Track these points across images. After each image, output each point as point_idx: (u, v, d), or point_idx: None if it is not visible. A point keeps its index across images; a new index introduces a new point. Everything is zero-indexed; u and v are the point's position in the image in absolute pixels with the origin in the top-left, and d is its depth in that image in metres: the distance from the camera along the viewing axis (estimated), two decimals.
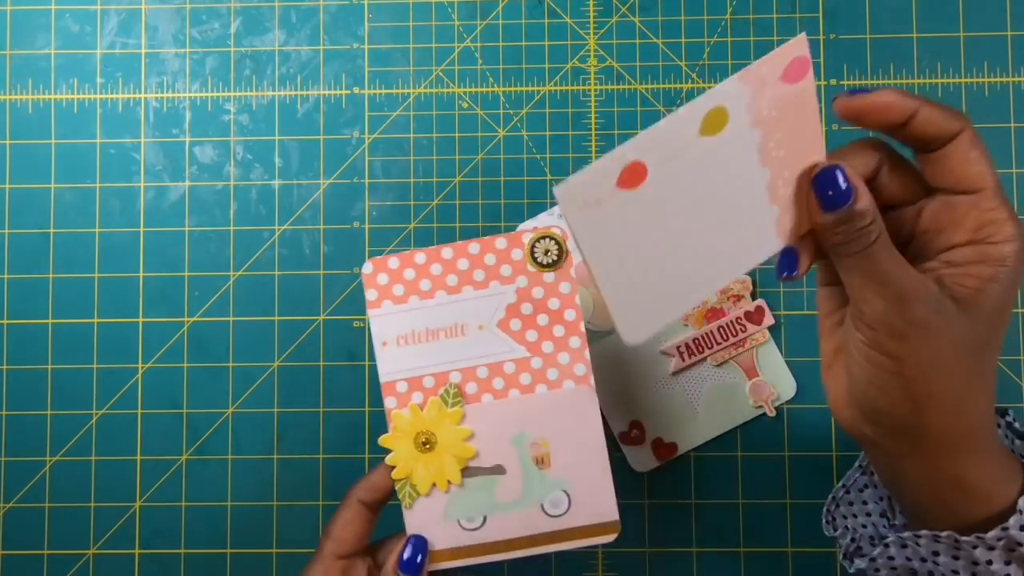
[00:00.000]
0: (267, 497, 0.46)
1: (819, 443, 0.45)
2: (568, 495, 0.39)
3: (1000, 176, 0.30)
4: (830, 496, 0.39)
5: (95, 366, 0.46)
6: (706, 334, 0.45)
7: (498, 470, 0.39)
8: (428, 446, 0.39)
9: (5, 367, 0.47)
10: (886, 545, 0.35)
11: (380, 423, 0.46)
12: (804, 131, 0.30)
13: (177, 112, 0.48)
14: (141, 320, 0.46)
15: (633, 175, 0.28)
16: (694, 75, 0.47)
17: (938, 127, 0.30)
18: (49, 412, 0.46)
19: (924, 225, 0.32)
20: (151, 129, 0.47)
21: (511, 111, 0.47)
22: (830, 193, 0.30)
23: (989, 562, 0.31)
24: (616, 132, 0.47)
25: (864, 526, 0.39)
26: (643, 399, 0.45)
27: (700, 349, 0.45)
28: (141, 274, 0.47)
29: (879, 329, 0.30)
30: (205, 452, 0.46)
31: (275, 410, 0.46)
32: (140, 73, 0.48)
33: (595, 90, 0.47)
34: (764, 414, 0.45)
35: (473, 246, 0.39)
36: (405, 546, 0.38)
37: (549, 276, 0.39)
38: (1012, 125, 0.46)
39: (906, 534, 0.34)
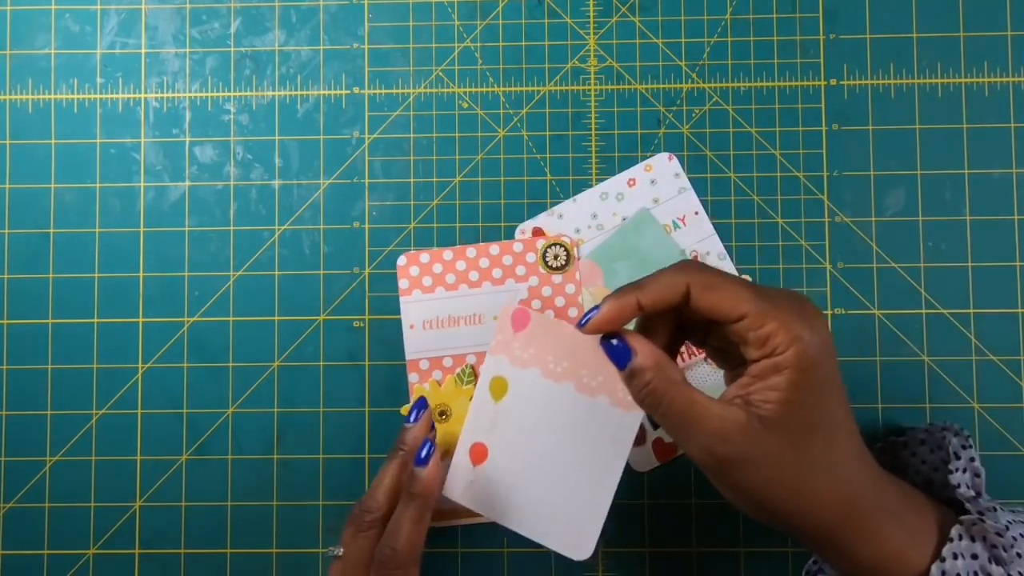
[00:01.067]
0: (267, 497, 0.46)
1: None
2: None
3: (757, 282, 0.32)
4: (813, 558, 0.40)
5: (95, 366, 0.46)
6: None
7: None
8: (444, 416, 0.44)
9: (5, 367, 0.47)
10: None
11: (380, 423, 0.46)
12: (566, 343, 0.38)
13: (177, 112, 0.48)
14: (141, 320, 0.46)
15: (478, 454, 0.39)
16: (694, 75, 0.47)
17: (666, 301, 0.33)
18: (49, 412, 0.46)
19: (713, 343, 0.35)
20: (151, 129, 0.47)
21: (511, 111, 0.47)
22: (614, 356, 0.34)
23: None
24: (616, 132, 0.47)
25: None
26: None
27: (700, 349, 0.45)
28: (141, 274, 0.47)
29: (704, 468, 0.33)
30: (205, 452, 0.46)
31: (275, 410, 0.46)
32: (140, 73, 0.48)
33: (595, 90, 0.47)
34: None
35: (494, 248, 0.46)
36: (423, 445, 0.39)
37: (557, 277, 0.45)
38: (1012, 125, 0.46)
39: None
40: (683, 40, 0.47)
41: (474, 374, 0.45)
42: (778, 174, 0.46)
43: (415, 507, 0.37)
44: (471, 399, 0.41)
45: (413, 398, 0.45)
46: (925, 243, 0.46)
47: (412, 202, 0.47)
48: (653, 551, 0.45)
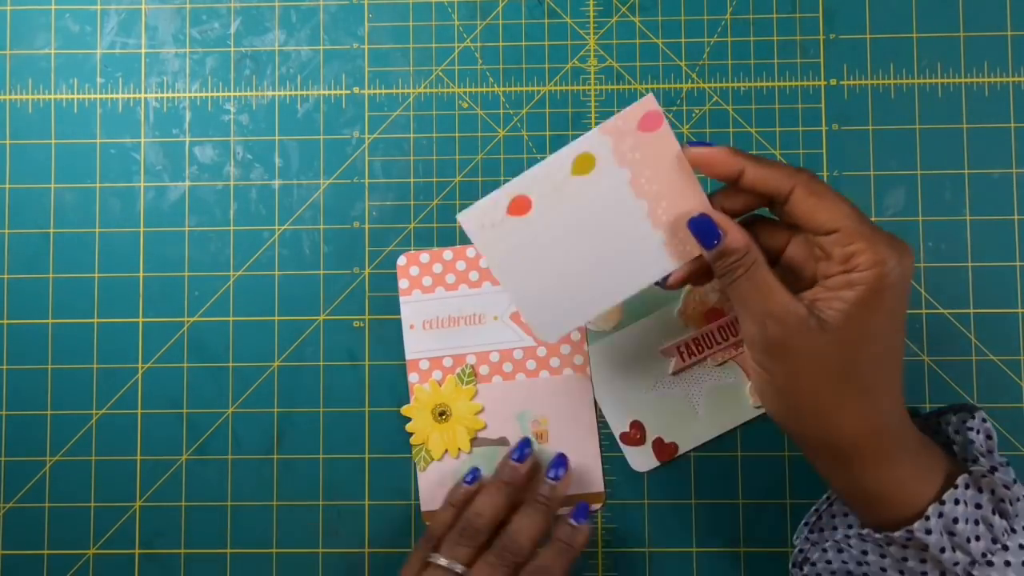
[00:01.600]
0: (267, 497, 0.46)
1: None
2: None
3: (861, 208, 0.34)
4: (815, 507, 0.41)
5: (95, 366, 0.46)
6: (706, 334, 0.45)
7: (503, 442, 0.45)
8: (444, 417, 0.45)
9: (5, 367, 0.47)
10: (824, 550, 0.37)
11: (380, 423, 0.46)
12: (670, 169, 0.36)
13: (177, 112, 0.48)
14: (141, 320, 0.46)
15: (520, 206, 0.36)
16: (694, 75, 0.47)
17: (767, 186, 0.34)
18: (49, 412, 0.46)
19: (789, 256, 0.36)
20: (151, 129, 0.47)
21: (511, 111, 0.47)
22: (702, 234, 0.35)
23: (904, 559, 0.34)
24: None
25: (850, 527, 0.39)
26: (643, 399, 0.45)
27: (700, 349, 0.45)
28: (141, 274, 0.47)
29: (753, 346, 0.35)
30: (205, 452, 0.46)
31: (275, 410, 0.46)
32: (140, 73, 0.48)
33: (595, 90, 0.47)
34: (765, 414, 0.45)
35: None
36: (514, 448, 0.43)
37: None
38: (1012, 125, 0.46)
39: (839, 536, 0.36)
40: (683, 40, 0.47)
41: (474, 374, 0.45)
42: None
43: (543, 515, 0.42)
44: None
45: (413, 398, 0.45)
46: (925, 243, 0.46)
47: (412, 202, 0.47)
48: (653, 551, 0.45)
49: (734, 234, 0.34)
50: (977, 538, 0.33)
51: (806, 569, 0.38)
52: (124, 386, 0.46)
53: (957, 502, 0.33)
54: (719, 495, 0.45)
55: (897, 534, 0.33)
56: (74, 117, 0.47)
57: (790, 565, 0.39)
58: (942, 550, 0.33)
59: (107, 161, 0.47)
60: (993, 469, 0.35)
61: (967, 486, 0.33)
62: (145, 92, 0.48)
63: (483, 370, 0.45)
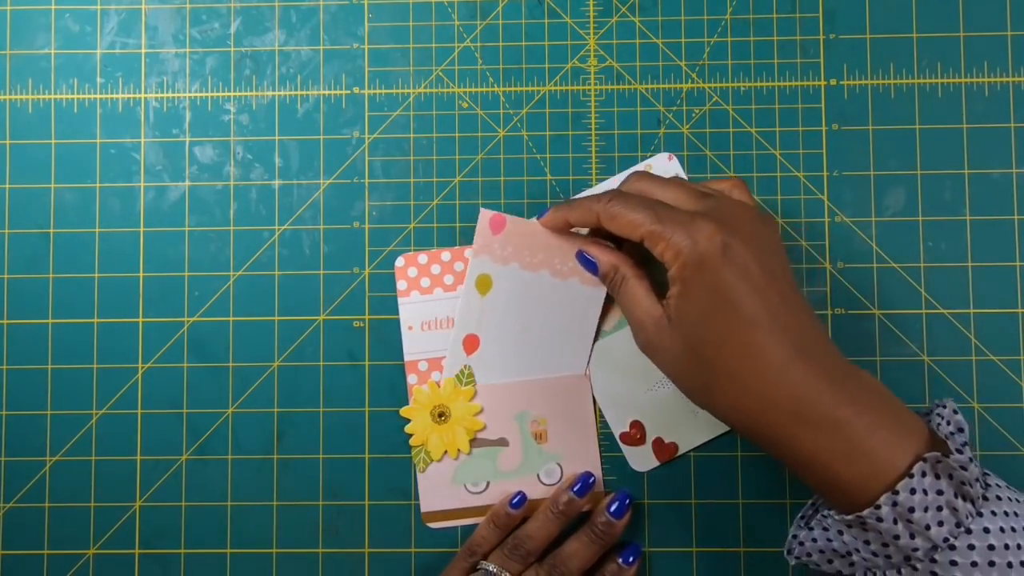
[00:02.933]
0: (267, 497, 0.46)
1: None
2: (561, 467, 0.45)
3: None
4: (811, 501, 0.41)
5: (95, 366, 0.46)
6: None
7: (502, 442, 0.45)
8: (443, 418, 0.45)
9: (5, 367, 0.47)
10: (810, 528, 0.37)
11: (380, 423, 0.46)
12: (540, 238, 0.44)
13: (177, 112, 0.48)
14: (141, 320, 0.46)
15: (471, 345, 0.45)
16: (694, 75, 0.47)
17: (582, 223, 0.41)
18: (49, 412, 0.46)
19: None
20: (151, 129, 0.47)
21: (511, 111, 0.47)
22: (586, 266, 0.42)
23: (867, 542, 0.34)
24: (616, 132, 0.47)
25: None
26: (643, 399, 0.45)
27: None
28: (141, 274, 0.47)
29: (639, 348, 0.39)
30: (205, 452, 0.46)
31: (275, 410, 0.46)
32: (140, 73, 0.48)
33: (595, 90, 0.47)
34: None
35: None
36: (613, 499, 0.44)
37: None
38: (1012, 125, 0.46)
39: (819, 515, 0.36)
40: (683, 40, 0.47)
41: (472, 375, 0.45)
42: (778, 174, 0.46)
43: (598, 547, 0.43)
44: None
45: (412, 399, 0.45)
46: (925, 243, 0.46)
47: (412, 202, 0.47)
48: (653, 551, 0.45)
49: (602, 259, 0.41)
50: (940, 523, 0.33)
51: (796, 550, 0.38)
52: (124, 386, 0.46)
53: (914, 491, 0.32)
54: (719, 495, 0.45)
55: (849, 518, 0.33)
56: (74, 117, 0.47)
57: (785, 551, 0.39)
58: (896, 537, 0.33)
59: (107, 161, 0.47)
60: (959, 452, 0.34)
61: (924, 474, 0.33)
62: (145, 92, 0.48)
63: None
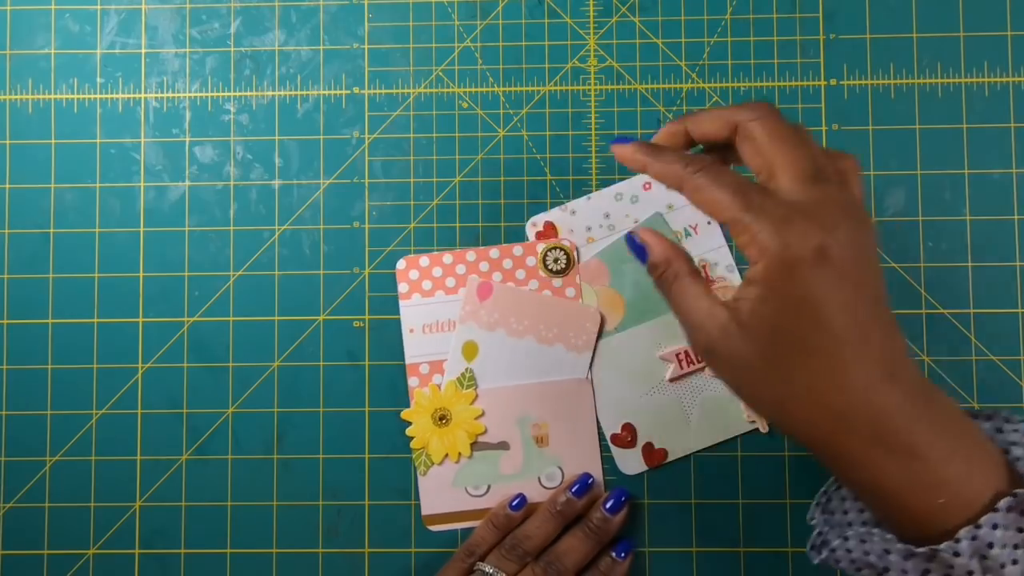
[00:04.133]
0: (267, 497, 0.46)
1: None
2: (562, 470, 0.45)
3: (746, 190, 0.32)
4: (823, 488, 0.39)
5: (95, 366, 0.46)
6: None
7: (503, 446, 0.45)
8: (444, 421, 0.45)
9: (5, 367, 0.47)
10: (846, 538, 0.35)
11: (380, 423, 0.46)
12: (526, 303, 0.45)
13: (177, 112, 0.48)
14: (141, 320, 0.46)
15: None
16: (694, 75, 0.47)
17: (667, 182, 0.35)
18: (49, 412, 0.46)
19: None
20: (151, 129, 0.47)
21: (511, 111, 0.47)
22: (635, 252, 0.37)
23: (927, 571, 0.32)
24: (616, 132, 0.47)
25: (861, 511, 0.38)
26: (638, 402, 0.45)
27: (700, 358, 0.45)
28: (141, 274, 0.47)
29: (696, 353, 0.38)
30: (205, 452, 0.46)
31: (275, 410, 0.46)
32: (140, 73, 0.48)
33: (595, 90, 0.47)
34: (757, 429, 0.45)
35: (493, 251, 0.46)
36: (608, 497, 0.44)
37: (557, 281, 0.46)
38: (1012, 125, 0.46)
39: (863, 529, 0.34)
40: (683, 40, 0.47)
41: (474, 378, 0.45)
42: None
43: (593, 543, 0.43)
44: (467, 401, 0.45)
45: (413, 402, 0.45)
46: (925, 243, 0.46)
47: (412, 202, 0.47)
48: (653, 551, 0.45)
49: (655, 249, 0.36)
50: (1014, 562, 0.30)
51: (824, 553, 0.36)
52: (124, 386, 0.46)
53: (996, 527, 0.30)
54: (719, 495, 0.45)
55: (920, 550, 0.31)
56: (74, 117, 0.47)
57: (808, 547, 0.38)
58: (970, 572, 0.31)
59: (107, 161, 0.47)
60: None
61: (1009, 509, 0.30)
62: (145, 92, 0.48)
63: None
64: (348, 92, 0.47)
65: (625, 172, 0.46)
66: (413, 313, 0.46)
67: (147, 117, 0.48)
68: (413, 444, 0.45)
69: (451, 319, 0.45)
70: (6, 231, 0.47)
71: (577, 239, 0.46)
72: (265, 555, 0.45)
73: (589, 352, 0.45)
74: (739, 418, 0.45)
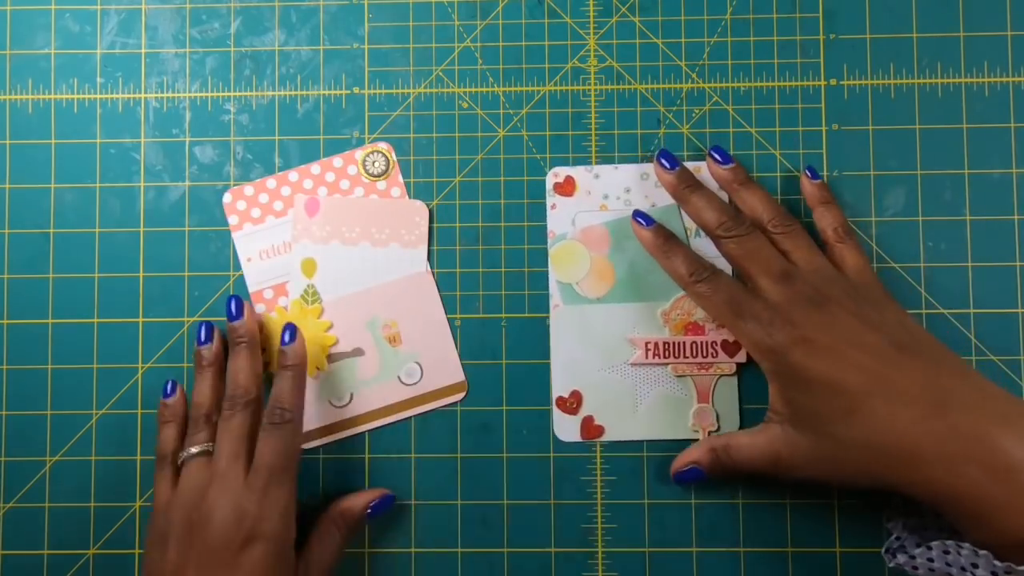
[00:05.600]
0: None
1: None
2: (420, 365, 0.46)
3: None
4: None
5: (95, 366, 0.46)
6: (678, 342, 0.45)
7: (357, 352, 0.46)
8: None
9: (5, 367, 0.47)
10: (929, 547, 0.35)
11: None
12: (362, 207, 0.45)
13: (177, 112, 0.48)
14: (141, 320, 0.46)
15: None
16: (694, 75, 0.47)
17: (673, 277, 0.43)
18: (49, 412, 0.46)
19: None
20: (151, 129, 0.47)
21: (511, 111, 0.47)
22: (690, 479, 0.43)
23: None
24: (616, 132, 0.47)
25: (938, 516, 0.39)
26: (594, 374, 0.45)
27: (667, 353, 0.45)
28: (141, 274, 0.47)
29: (776, 476, 0.40)
30: None
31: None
32: (140, 73, 0.48)
33: (595, 90, 0.47)
34: (697, 440, 0.44)
35: (315, 167, 0.46)
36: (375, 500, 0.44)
37: (381, 184, 0.46)
38: (1012, 125, 0.46)
39: (950, 542, 0.34)
40: (683, 40, 0.47)
41: (317, 293, 0.45)
42: (778, 174, 0.46)
43: (292, 375, 0.42)
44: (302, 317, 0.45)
45: (265, 326, 0.45)
46: (925, 243, 0.46)
47: None
48: (653, 551, 0.45)
49: (702, 459, 0.42)
50: None
51: (900, 558, 0.37)
52: (124, 386, 0.46)
53: None
54: (719, 495, 0.45)
55: (1022, 568, 0.31)
56: (74, 117, 0.47)
57: (883, 550, 0.38)
58: None
59: (107, 161, 0.47)
60: None
61: None
62: (145, 92, 0.48)
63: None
64: (348, 92, 0.47)
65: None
66: (247, 241, 0.46)
67: (147, 117, 0.48)
68: (271, 368, 0.45)
69: (285, 241, 0.46)
70: (6, 231, 0.47)
71: (591, 202, 0.46)
72: None
73: (423, 245, 0.46)
74: (684, 424, 0.45)
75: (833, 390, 0.36)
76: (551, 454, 0.46)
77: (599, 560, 0.45)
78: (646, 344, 0.45)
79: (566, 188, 0.46)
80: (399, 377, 0.45)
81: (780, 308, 0.38)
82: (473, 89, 0.47)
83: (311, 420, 0.45)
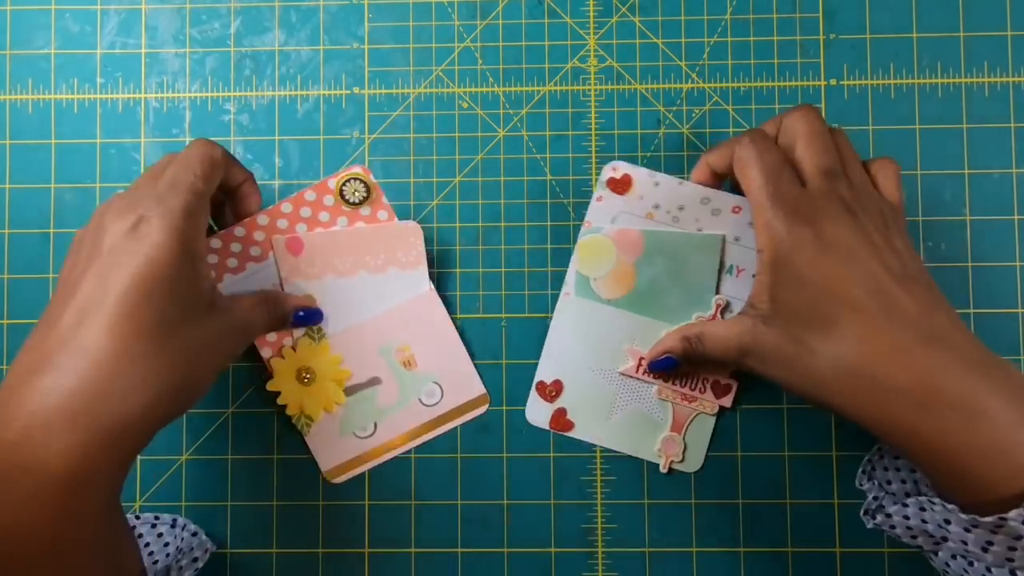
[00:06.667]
0: (267, 497, 0.46)
1: (820, 443, 0.45)
2: (439, 385, 0.45)
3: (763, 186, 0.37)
4: (872, 450, 0.39)
5: None
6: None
7: (374, 381, 0.45)
8: (309, 379, 0.44)
9: (5, 367, 0.47)
10: (905, 505, 0.35)
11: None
12: (349, 238, 0.44)
13: (177, 112, 0.48)
14: None
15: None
16: (694, 75, 0.47)
17: (720, 167, 0.41)
18: None
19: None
20: (151, 129, 0.47)
21: (511, 111, 0.47)
22: (664, 370, 0.43)
23: (990, 542, 0.31)
24: (616, 132, 0.47)
25: (903, 481, 0.38)
26: (581, 372, 0.45)
27: (657, 375, 0.44)
28: None
29: (738, 367, 0.39)
30: (205, 452, 0.46)
31: (274, 411, 0.46)
32: (140, 73, 0.48)
33: (595, 90, 0.47)
34: (657, 465, 0.45)
35: (286, 206, 0.44)
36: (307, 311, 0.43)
37: (365, 210, 0.44)
38: (1012, 125, 0.46)
39: (924, 498, 0.34)
40: (683, 40, 0.47)
41: (322, 328, 0.44)
42: None
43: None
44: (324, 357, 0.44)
45: (274, 372, 0.44)
46: (925, 243, 0.46)
47: (412, 202, 0.47)
48: (653, 551, 0.45)
49: (673, 346, 0.41)
50: None
51: (879, 518, 0.36)
52: None
53: None
54: (719, 495, 0.45)
55: (986, 520, 0.30)
56: (74, 117, 0.47)
57: (861, 512, 0.38)
58: None
59: (107, 161, 0.47)
60: None
61: None
62: (145, 92, 0.48)
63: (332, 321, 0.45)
64: (348, 92, 0.47)
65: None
66: (233, 291, 0.43)
67: (147, 117, 0.48)
68: (288, 411, 0.44)
69: (274, 283, 0.44)
70: (6, 231, 0.47)
71: (640, 207, 0.44)
72: (265, 555, 0.45)
73: (423, 265, 0.44)
74: (650, 446, 0.45)
75: (827, 296, 0.34)
76: (551, 454, 0.46)
77: (599, 560, 0.45)
78: (640, 359, 0.44)
79: (621, 185, 0.44)
80: (420, 399, 0.45)
81: (812, 199, 0.36)
82: (473, 89, 0.47)
83: (339, 455, 0.45)
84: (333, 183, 0.44)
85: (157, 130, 0.47)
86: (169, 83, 0.48)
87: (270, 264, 0.44)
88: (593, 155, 0.47)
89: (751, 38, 0.47)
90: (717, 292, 0.44)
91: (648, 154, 0.46)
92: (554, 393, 0.45)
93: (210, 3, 0.48)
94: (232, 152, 0.47)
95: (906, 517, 0.35)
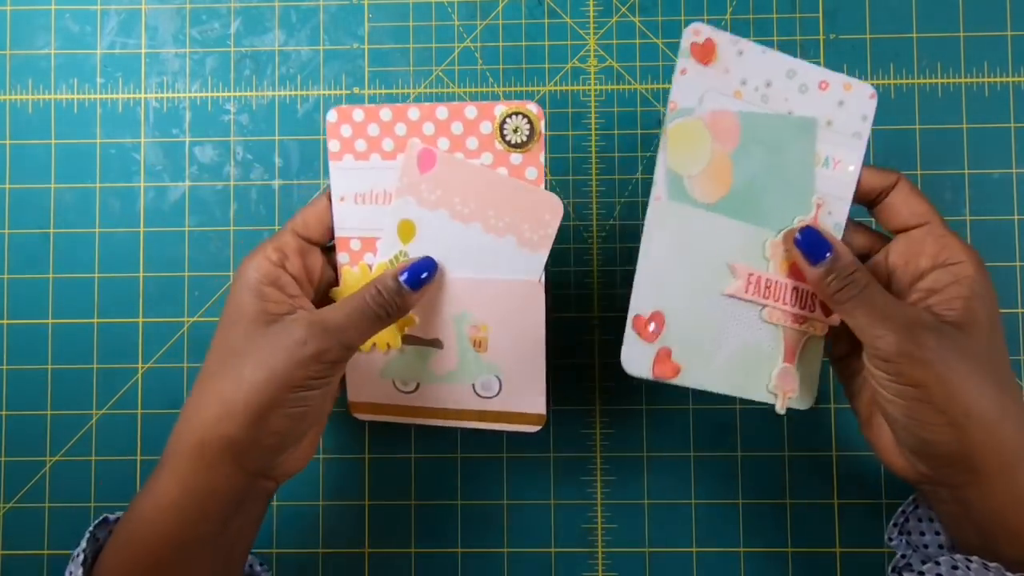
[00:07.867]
0: None
1: (819, 443, 0.45)
2: (500, 380, 0.40)
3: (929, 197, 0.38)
4: (907, 501, 0.39)
5: (95, 366, 0.46)
6: (781, 284, 0.37)
7: (436, 344, 0.40)
8: None
9: (5, 367, 0.47)
10: (937, 563, 0.34)
11: (381, 423, 0.46)
12: (477, 181, 0.38)
13: (177, 112, 0.48)
14: (141, 320, 0.46)
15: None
16: None
17: (879, 182, 0.37)
18: (49, 412, 0.46)
19: (893, 262, 0.36)
20: (151, 129, 0.47)
21: None
22: (810, 249, 0.35)
23: None
24: (616, 132, 0.47)
25: (937, 533, 0.38)
26: (683, 297, 0.37)
27: (768, 293, 0.37)
28: (141, 274, 0.47)
29: (898, 360, 0.32)
30: None
31: None
32: (140, 73, 0.48)
33: (595, 90, 0.47)
34: (773, 407, 0.38)
35: (441, 111, 0.38)
36: (414, 262, 0.37)
37: (516, 157, 0.38)
38: (1012, 125, 0.46)
39: (958, 556, 0.34)
40: None
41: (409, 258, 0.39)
42: None
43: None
44: (378, 246, 0.39)
45: (341, 281, 0.39)
46: None
47: None
48: (653, 551, 0.45)
49: (843, 250, 0.35)
50: None
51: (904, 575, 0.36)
52: (124, 386, 0.46)
53: None
54: (719, 495, 0.45)
55: None
56: (74, 117, 0.47)
57: (889, 569, 0.38)
58: None
59: (107, 161, 0.47)
60: None
61: None
62: (145, 92, 0.48)
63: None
64: (348, 92, 0.47)
65: (611, 172, 0.46)
66: (344, 177, 0.38)
67: (147, 117, 0.48)
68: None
69: (387, 190, 0.38)
70: (6, 231, 0.47)
71: (726, 83, 0.37)
72: (265, 555, 0.45)
73: (545, 251, 0.38)
74: (762, 383, 0.37)
75: (1000, 326, 0.34)
76: (551, 454, 0.46)
77: (599, 560, 0.45)
78: (749, 276, 0.37)
79: (704, 54, 0.36)
80: (474, 385, 0.40)
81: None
82: (473, 89, 0.47)
83: (371, 394, 0.41)
84: (499, 110, 0.37)
85: (157, 130, 0.47)
86: (169, 83, 0.48)
87: (393, 167, 0.38)
88: (593, 155, 0.47)
89: (751, 38, 0.47)
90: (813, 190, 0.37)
91: (648, 154, 0.46)
92: (655, 330, 0.37)
93: (210, 3, 0.48)
94: (232, 152, 0.47)
95: (939, 575, 0.34)
